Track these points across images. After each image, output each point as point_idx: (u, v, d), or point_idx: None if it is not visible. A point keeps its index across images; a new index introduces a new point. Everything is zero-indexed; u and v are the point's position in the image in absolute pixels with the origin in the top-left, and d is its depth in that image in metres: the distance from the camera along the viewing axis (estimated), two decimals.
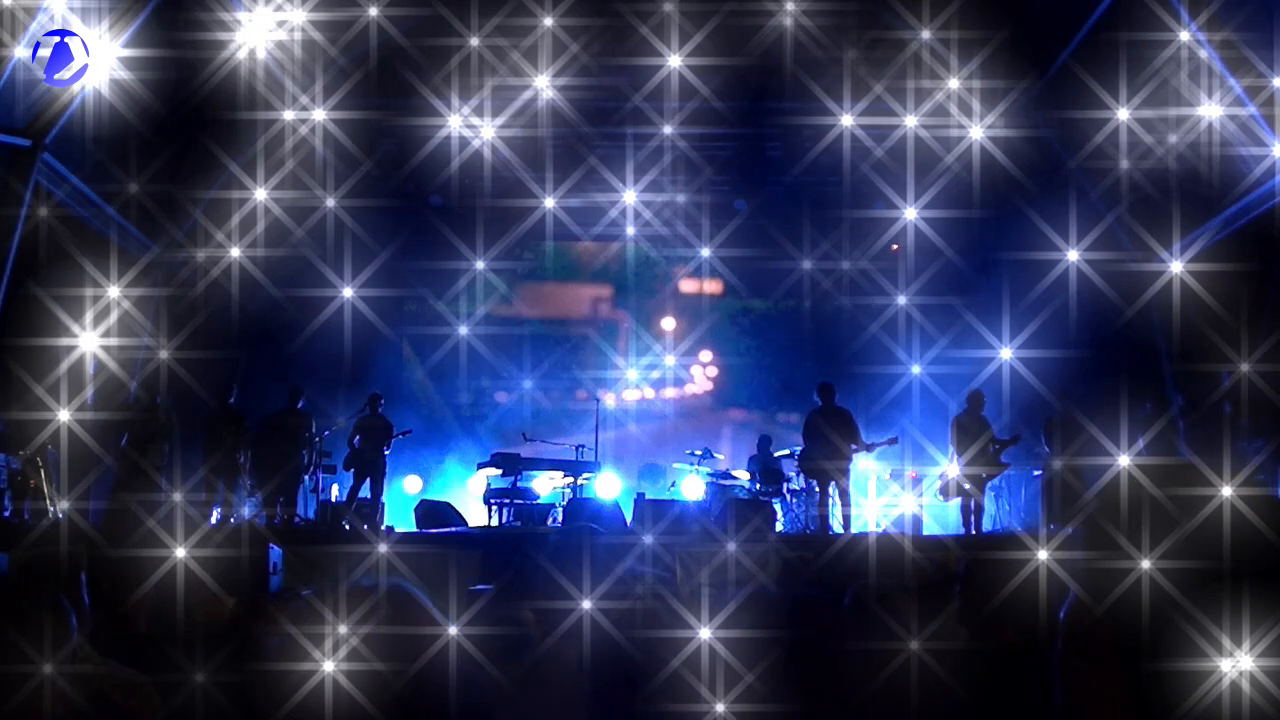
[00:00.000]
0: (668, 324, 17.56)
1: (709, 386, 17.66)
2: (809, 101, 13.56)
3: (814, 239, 15.72)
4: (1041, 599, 2.00)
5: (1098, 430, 11.87)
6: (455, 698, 2.47)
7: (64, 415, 11.17)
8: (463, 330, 16.28)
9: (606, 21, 12.32)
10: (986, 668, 1.98)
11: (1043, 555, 2.11)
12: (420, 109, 13.89)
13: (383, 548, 9.34)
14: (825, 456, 12.86)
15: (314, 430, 13.70)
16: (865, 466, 14.53)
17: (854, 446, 13.08)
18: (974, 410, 13.25)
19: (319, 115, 13.44)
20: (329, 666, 2.41)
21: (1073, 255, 13.23)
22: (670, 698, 2.25)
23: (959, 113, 13.45)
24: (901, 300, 15.47)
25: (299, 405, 13.62)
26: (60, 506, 11.20)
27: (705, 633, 2.17)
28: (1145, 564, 1.94)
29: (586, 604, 2.41)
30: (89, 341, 12.16)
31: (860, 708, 2.07)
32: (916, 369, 14.91)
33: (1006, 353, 13.68)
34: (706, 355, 17.60)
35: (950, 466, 13.09)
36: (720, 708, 2.20)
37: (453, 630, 2.01)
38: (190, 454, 13.02)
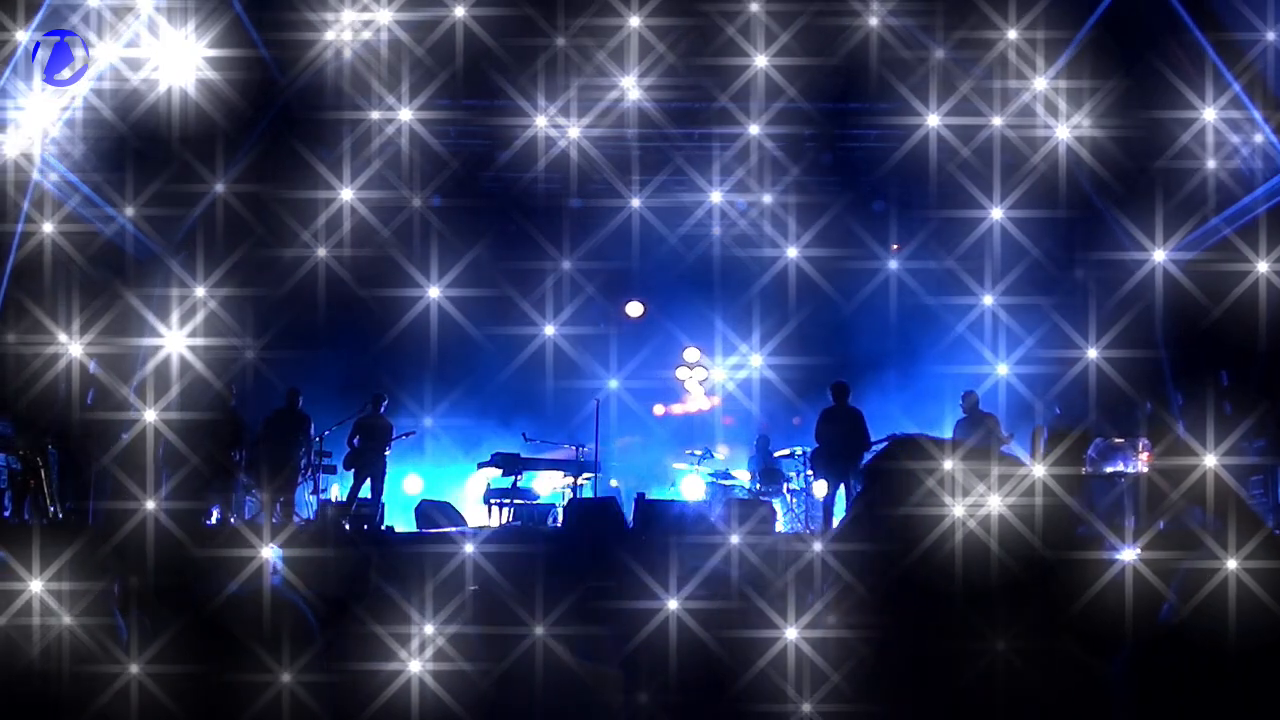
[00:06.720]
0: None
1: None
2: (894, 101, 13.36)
3: (900, 238, 15.43)
4: (1128, 600, 1.98)
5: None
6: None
7: (150, 415, 11.19)
8: (549, 330, 15.40)
9: (692, 21, 12.11)
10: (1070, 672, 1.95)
11: (1130, 555, 2.10)
12: (505, 109, 13.75)
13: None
14: (834, 456, 12.84)
15: (312, 433, 13.70)
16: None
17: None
18: (969, 410, 13.30)
19: (406, 115, 13.26)
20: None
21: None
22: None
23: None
24: (988, 300, 15.03)
25: (298, 406, 13.63)
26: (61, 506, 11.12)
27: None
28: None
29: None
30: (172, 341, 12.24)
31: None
32: (1003, 369, 14.56)
33: (1092, 352, 13.40)
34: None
35: None
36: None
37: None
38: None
